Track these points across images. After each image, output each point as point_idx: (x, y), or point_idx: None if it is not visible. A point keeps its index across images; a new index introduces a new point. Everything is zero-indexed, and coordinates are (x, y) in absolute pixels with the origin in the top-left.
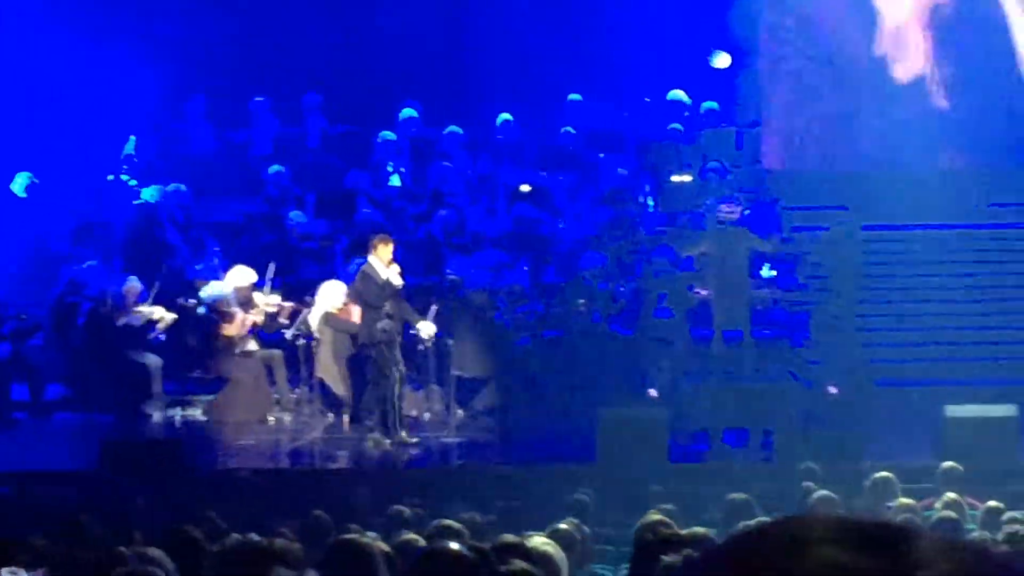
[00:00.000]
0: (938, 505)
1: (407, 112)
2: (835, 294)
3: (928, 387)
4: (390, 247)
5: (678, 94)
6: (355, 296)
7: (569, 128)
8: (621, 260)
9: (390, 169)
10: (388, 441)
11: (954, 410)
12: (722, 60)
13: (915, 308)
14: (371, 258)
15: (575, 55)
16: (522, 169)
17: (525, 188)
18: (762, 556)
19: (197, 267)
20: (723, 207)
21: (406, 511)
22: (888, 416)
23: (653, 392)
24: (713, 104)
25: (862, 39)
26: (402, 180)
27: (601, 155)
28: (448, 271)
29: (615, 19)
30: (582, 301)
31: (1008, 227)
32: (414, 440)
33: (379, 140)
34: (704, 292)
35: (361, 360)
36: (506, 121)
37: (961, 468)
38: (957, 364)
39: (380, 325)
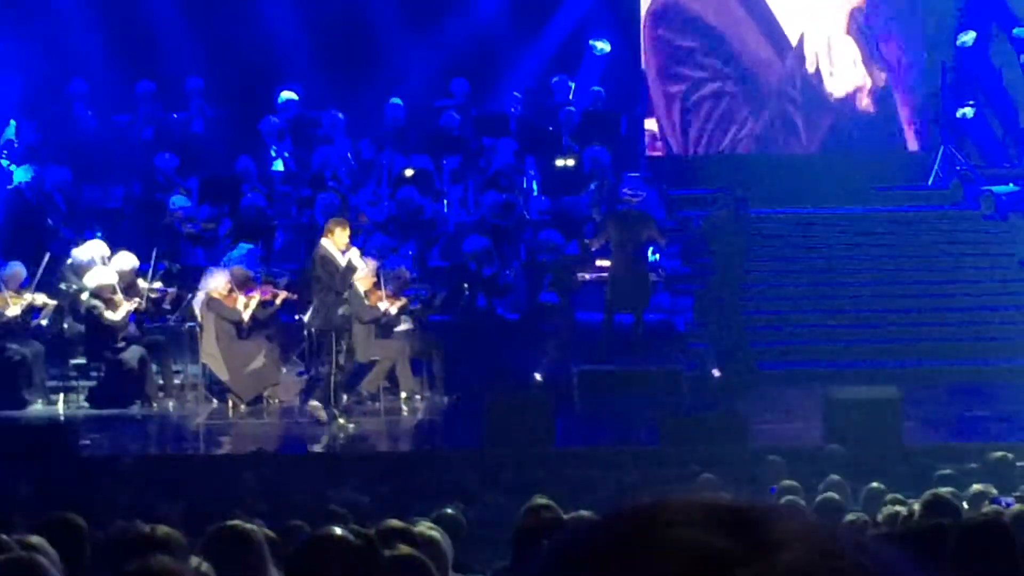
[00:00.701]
0: (822, 487)
1: (286, 95)
2: (718, 277)
3: (812, 369)
4: (347, 231)
5: (562, 78)
6: (313, 281)
7: (453, 112)
8: (506, 244)
9: (273, 153)
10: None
11: (838, 392)
12: (604, 45)
13: (799, 291)
14: (325, 242)
15: (458, 38)
16: (406, 153)
17: (409, 172)
18: (622, 536)
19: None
20: (627, 190)
21: (292, 496)
22: (773, 399)
23: (538, 376)
24: (597, 88)
25: (749, 24)
26: (285, 164)
27: (485, 139)
28: None
29: (500, 2)
30: (466, 285)
31: (890, 211)
32: (351, 425)
33: (262, 124)
34: (588, 276)
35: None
36: (391, 105)
37: (845, 450)
38: (841, 347)
39: (340, 311)
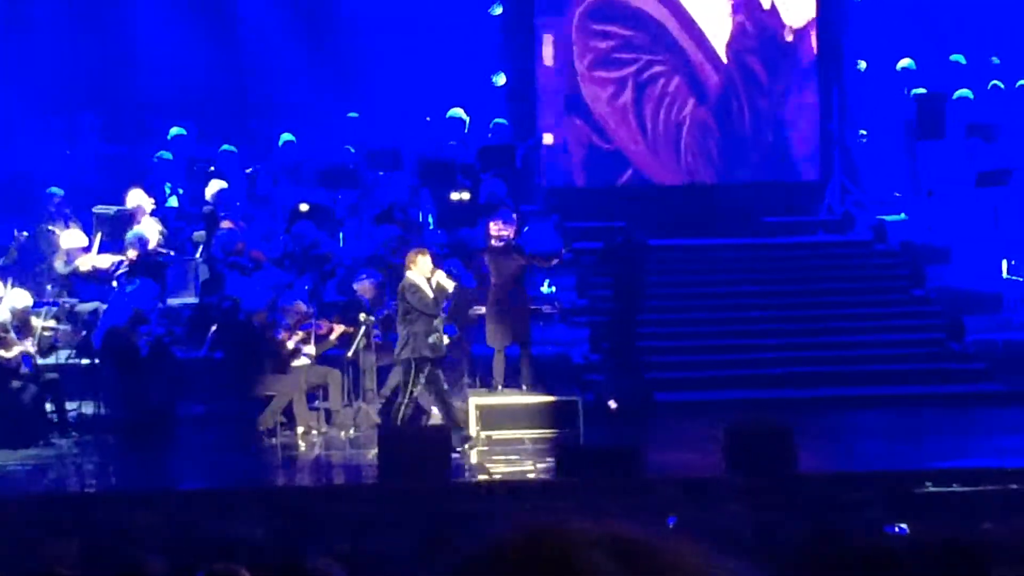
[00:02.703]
0: (719, 515)
1: (177, 130)
2: (614, 309)
3: (709, 400)
4: (427, 257)
5: (457, 112)
6: (404, 312)
7: (348, 147)
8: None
9: (168, 190)
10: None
11: (735, 422)
12: (499, 78)
13: (694, 322)
14: (410, 274)
15: (353, 72)
16: (300, 187)
17: (304, 207)
18: (518, 559)
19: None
20: (494, 225)
21: (190, 532)
22: (670, 429)
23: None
24: (501, 120)
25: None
26: (179, 200)
27: (380, 173)
28: (227, 291)
29: (393, 36)
30: (363, 317)
31: (783, 241)
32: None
33: (155, 160)
34: (482, 310)
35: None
36: (286, 142)
37: (742, 479)
38: (737, 377)
39: (431, 340)
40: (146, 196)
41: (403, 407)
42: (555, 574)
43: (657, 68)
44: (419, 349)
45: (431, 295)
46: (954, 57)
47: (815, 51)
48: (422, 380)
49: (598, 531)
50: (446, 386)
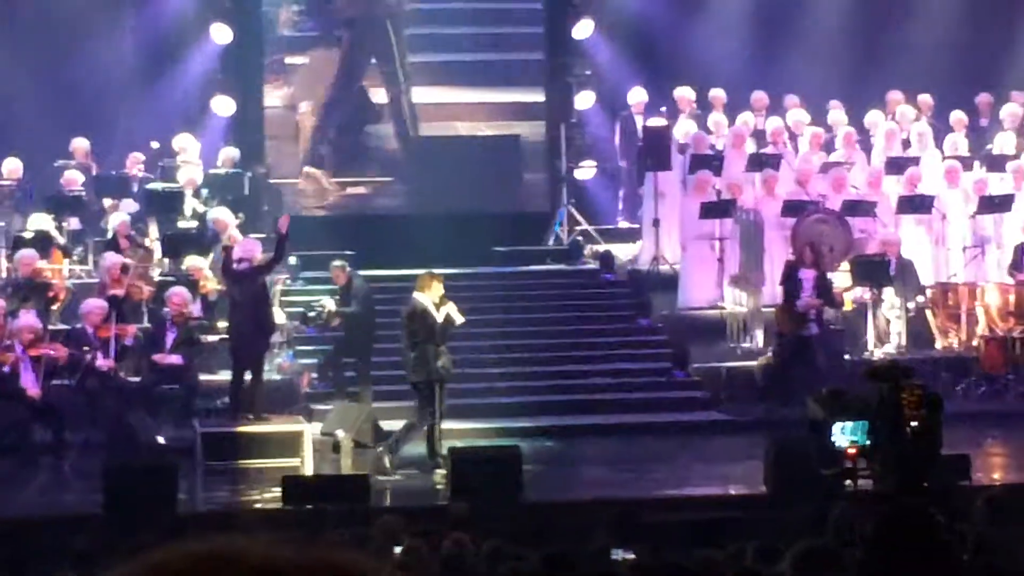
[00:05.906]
0: (447, 542)
1: None
2: (341, 339)
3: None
4: (441, 283)
5: (185, 138)
6: (409, 335)
7: (74, 172)
8: (126, 306)
9: None
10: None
11: (461, 449)
12: (226, 106)
13: None
14: (420, 296)
15: (79, 95)
16: (24, 213)
17: (27, 233)
18: None
19: None
20: (237, 248)
21: None
22: (401, 457)
23: (161, 439)
24: (231, 148)
25: None
26: None
27: (106, 200)
28: None
29: (124, 59)
30: (86, 348)
31: (509, 270)
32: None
33: None
34: (210, 338)
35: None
36: (7, 165)
37: (468, 506)
38: (462, 405)
39: (440, 363)
40: None
41: (434, 429)
42: None
43: None
44: (432, 371)
45: (439, 320)
46: (679, 91)
47: (542, 85)
48: (438, 400)
49: (259, 553)
50: (442, 407)
